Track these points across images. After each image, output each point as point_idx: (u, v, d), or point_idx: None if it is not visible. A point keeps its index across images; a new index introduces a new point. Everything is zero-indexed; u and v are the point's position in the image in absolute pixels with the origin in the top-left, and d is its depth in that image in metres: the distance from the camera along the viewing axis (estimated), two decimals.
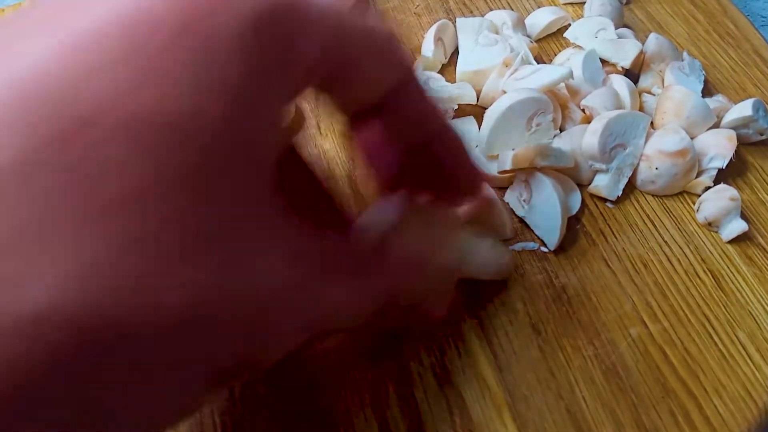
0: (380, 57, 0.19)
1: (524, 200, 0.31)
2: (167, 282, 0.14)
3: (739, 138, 0.34)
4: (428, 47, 0.38)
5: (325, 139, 0.36)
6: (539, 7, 0.41)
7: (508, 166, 0.31)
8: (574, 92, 0.35)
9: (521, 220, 0.32)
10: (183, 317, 0.14)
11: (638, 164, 0.33)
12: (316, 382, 0.27)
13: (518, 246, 0.31)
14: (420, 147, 0.22)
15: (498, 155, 0.33)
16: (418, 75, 0.21)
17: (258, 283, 0.15)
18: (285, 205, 0.17)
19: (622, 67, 0.37)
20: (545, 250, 0.31)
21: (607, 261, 0.31)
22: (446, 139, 0.22)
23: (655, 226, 0.32)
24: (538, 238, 0.32)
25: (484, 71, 0.36)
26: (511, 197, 0.32)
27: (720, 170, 0.33)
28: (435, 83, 0.35)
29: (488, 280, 0.28)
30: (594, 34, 0.38)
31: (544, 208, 0.30)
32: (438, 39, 0.38)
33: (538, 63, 0.36)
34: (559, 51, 0.40)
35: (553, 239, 0.31)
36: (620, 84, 0.35)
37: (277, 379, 0.27)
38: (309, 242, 0.17)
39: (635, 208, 0.33)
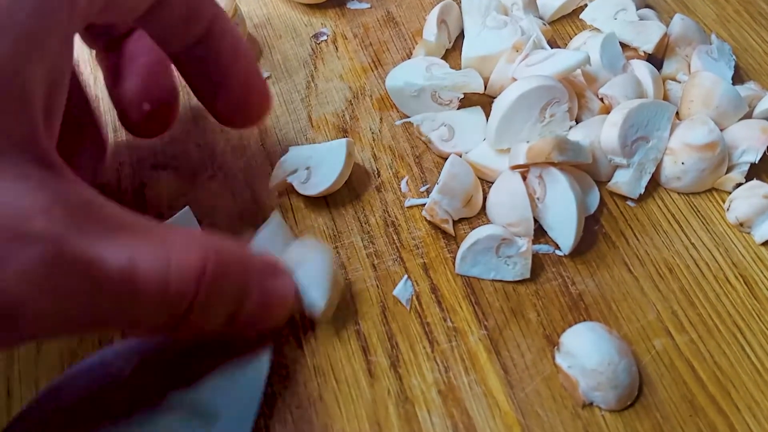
0: None
1: (538, 198, 0.31)
2: None
3: None
4: (431, 30, 0.38)
5: (318, 132, 0.36)
6: None
7: (521, 161, 0.31)
8: (591, 79, 0.35)
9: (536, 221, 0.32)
10: None
11: (662, 159, 0.33)
12: (313, 399, 0.27)
13: (532, 249, 0.31)
14: (193, 49, 0.26)
15: (508, 149, 0.32)
16: None
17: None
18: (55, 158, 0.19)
19: (645, 52, 0.37)
20: (560, 253, 0.31)
21: (628, 265, 0.31)
22: (221, 31, 0.26)
23: (681, 226, 0.32)
24: (553, 240, 0.31)
25: (492, 57, 0.36)
26: None
27: (752, 165, 0.33)
28: (438, 70, 0.35)
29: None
30: (613, 15, 0.38)
31: (559, 208, 0.30)
32: (441, 21, 0.38)
33: (551, 47, 0.36)
34: (575, 34, 0.39)
35: (568, 242, 0.30)
36: (642, 70, 0.35)
37: (270, 397, 0.27)
38: (75, 193, 0.19)
39: (659, 207, 0.33)
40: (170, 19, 0.25)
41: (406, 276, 0.30)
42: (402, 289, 0.30)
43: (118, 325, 0.20)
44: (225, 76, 0.27)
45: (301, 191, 0.32)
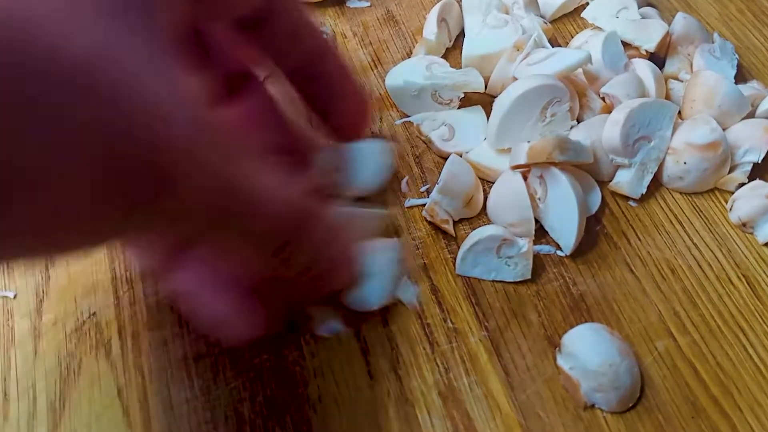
0: None
1: (539, 198, 0.31)
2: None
3: None
4: (431, 29, 0.38)
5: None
6: None
7: (522, 160, 0.31)
8: (592, 78, 0.35)
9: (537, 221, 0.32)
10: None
11: (664, 158, 0.33)
12: (312, 401, 0.27)
13: (533, 249, 0.31)
14: (303, 71, 0.27)
15: (508, 149, 0.32)
16: None
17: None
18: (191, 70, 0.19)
19: (646, 51, 0.37)
20: (561, 254, 0.31)
21: (630, 266, 0.31)
22: (327, 55, 0.28)
23: (683, 227, 0.32)
24: (554, 241, 0.31)
25: (492, 55, 0.36)
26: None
27: (755, 165, 0.33)
28: (438, 69, 0.35)
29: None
30: (615, 13, 0.38)
31: (560, 208, 0.30)
32: (441, 20, 0.38)
33: (552, 46, 0.36)
34: (577, 33, 0.39)
35: (569, 242, 0.30)
36: (644, 69, 0.35)
37: (269, 399, 0.27)
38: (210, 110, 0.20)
39: (661, 207, 0.33)
40: (280, 30, 0.26)
41: (407, 277, 0.30)
42: (405, 290, 0.30)
43: (230, 234, 0.21)
44: (338, 96, 0.29)
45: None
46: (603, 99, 0.34)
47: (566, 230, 0.30)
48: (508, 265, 0.30)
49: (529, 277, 0.30)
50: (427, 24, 0.38)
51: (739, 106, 0.34)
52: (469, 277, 0.30)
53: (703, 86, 0.34)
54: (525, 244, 0.29)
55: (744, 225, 0.32)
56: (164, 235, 0.22)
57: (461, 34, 0.40)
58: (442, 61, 0.36)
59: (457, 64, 0.37)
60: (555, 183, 0.30)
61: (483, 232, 0.30)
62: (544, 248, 0.31)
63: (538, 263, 0.31)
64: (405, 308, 0.29)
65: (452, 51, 0.39)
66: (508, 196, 0.31)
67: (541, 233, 0.32)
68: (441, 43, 0.38)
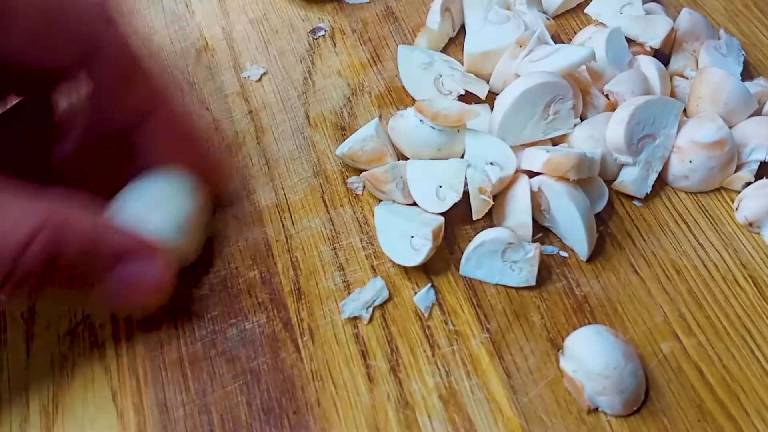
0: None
1: (543, 210, 0.31)
2: None
3: None
4: (434, 18, 0.38)
5: (315, 130, 0.35)
6: None
7: (536, 169, 0.30)
8: (596, 76, 0.35)
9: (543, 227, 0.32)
10: None
11: (669, 157, 0.33)
12: (310, 404, 0.27)
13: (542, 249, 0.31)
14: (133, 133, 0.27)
15: (520, 145, 0.32)
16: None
17: None
18: None
19: (651, 47, 0.37)
20: (564, 254, 0.31)
21: (634, 267, 0.31)
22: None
23: (688, 226, 0.32)
24: (569, 247, 0.31)
25: (494, 52, 0.36)
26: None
27: (762, 163, 0.33)
28: (452, 65, 0.36)
29: None
30: (619, 9, 0.38)
31: (565, 218, 0.30)
32: (445, 9, 0.38)
33: (555, 43, 0.36)
34: (580, 29, 0.39)
35: (583, 250, 0.30)
36: (649, 66, 0.35)
37: (266, 403, 0.27)
38: None
39: (666, 206, 0.33)
40: (106, 77, 0.26)
41: (430, 284, 0.30)
42: (423, 296, 0.30)
43: None
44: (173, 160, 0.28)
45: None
46: (607, 96, 0.34)
47: (576, 238, 0.30)
48: (513, 270, 0.30)
49: (534, 283, 0.30)
50: (430, 13, 0.38)
51: (746, 104, 0.34)
52: (470, 279, 0.30)
53: (709, 83, 0.34)
54: (532, 249, 0.29)
55: (750, 225, 0.32)
56: None
57: (464, 26, 0.40)
58: (449, 58, 0.37)
59: (459, 55, 0.37)
60: (554, 196, 0.30)
61: (489, 233, 0.30)
62: (548, 248, 0.31)
63: (541, 264, 0.30)
64: (405, 309, 0.29)
65: (455, 40, 0.39)
66: (511, 198, 0.31)
67: (546, 234, 0.32)
68: (444, 33, 0.38)
